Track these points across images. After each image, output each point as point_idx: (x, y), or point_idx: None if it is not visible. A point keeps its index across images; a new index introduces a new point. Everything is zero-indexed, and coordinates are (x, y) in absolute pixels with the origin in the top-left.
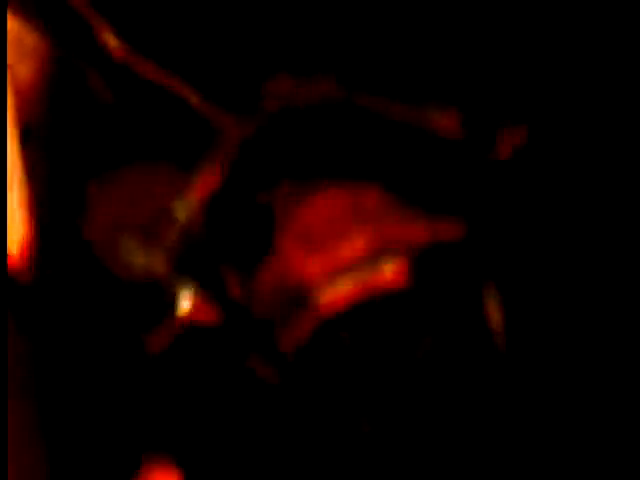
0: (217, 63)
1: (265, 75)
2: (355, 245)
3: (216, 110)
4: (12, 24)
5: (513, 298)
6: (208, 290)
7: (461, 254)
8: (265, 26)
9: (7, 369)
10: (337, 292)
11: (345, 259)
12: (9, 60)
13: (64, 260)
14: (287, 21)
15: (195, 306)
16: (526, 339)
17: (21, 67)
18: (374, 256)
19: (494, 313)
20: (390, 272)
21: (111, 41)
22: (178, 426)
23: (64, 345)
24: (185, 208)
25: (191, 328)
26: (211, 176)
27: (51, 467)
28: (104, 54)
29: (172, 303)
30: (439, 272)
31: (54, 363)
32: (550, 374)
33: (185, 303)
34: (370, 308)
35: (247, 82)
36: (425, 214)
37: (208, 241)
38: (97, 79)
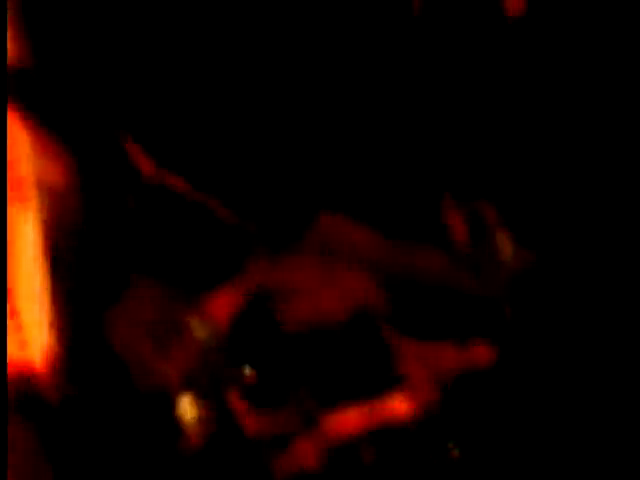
0: (245, 181)
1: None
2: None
3: (245, 223)
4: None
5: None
6: (212, 409)
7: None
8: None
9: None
10: (345, 419)
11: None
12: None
13: (89, 377)
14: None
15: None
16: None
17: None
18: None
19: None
20: (400, 403)
21: (144, 163)
22: None
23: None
24: (204, 328)
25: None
26: (234, 298)
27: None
28: (138, 176)
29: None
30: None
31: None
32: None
33: (188, 417)
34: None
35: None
36: (455, 338)
37: (222, 361)
38: (131, 198)
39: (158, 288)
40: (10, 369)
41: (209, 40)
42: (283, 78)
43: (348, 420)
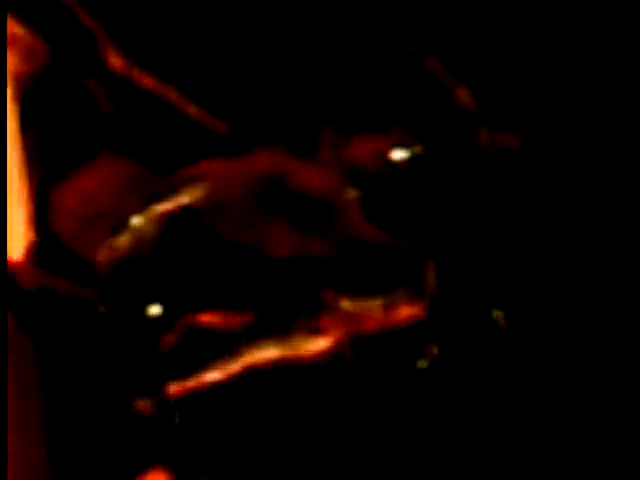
0: (213, 75)
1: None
2: None
3: (213, 119)
4: (17, 29)
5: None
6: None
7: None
8: (259, 35)
9: (8, 370)
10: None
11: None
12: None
13: (59, 258)
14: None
15: None
16: (530, 346)
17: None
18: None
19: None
20: (315, 348)
21: (113, 54)
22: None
23: (67, 346)
24: (145, 220)
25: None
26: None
27: (52, 468)
28: (105, 66)
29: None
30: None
31: (57, 364)
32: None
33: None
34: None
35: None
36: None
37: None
38: (98, 88)
39: (120, 166)
40: None
41: None
42: None
43: (263, 355)
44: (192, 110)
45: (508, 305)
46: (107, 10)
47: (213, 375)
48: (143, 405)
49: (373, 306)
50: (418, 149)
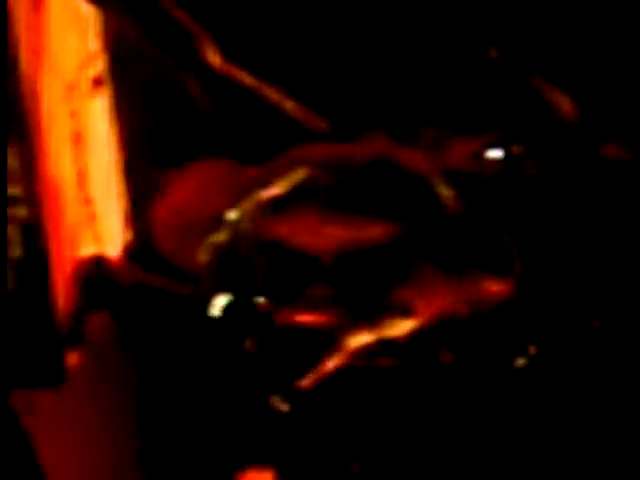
0: (312, 73)
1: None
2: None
3: (310, 114)
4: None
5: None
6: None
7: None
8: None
9: (104, 367)
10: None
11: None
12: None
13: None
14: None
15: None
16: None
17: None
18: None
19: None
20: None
21: (211, 52)
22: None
23: (163, 343)
24: (240, 212)
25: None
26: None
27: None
28: (204, 64)
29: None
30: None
31: (153, 361)
32: None
33: (216, 310)
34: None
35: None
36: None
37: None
38: (196, 86)
39: (212, 169)
40: (87, 262)
41: None
42: None
43: (361, 340)
44: (291, 107)
45: (603, 308)
46: (205, 9)
47: (328, 367)
48: (278, 401)
49: (461, 283)
50: (515, 149)
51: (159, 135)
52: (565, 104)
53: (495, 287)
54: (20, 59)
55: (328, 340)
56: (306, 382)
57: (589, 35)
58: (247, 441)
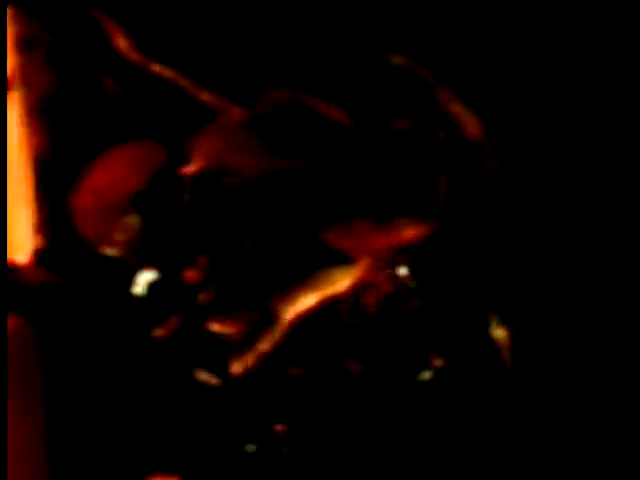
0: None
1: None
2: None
3: (224, 101)
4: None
5: (519, 317)
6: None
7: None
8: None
9: (9, 372)
10: (299, 307)
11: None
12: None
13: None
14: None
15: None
16: (532, 357)
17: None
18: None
19: (500, 333)
20: (343, 284)
21: (123, 43)
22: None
23: (71, 344)
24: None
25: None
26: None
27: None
28: (117, 55)
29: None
30: (446, 292)
31: (62, 360)
32: (555, 390)
33: (139, 288)
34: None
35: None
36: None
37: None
38: (109, 78)
39: (130, 153)
40: None
41: None
42: None
43: (303, 305)
44: (206, 97)
45: (510, 317)
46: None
47: (263, 345)
48: (207, 377)
49: (390, 227)
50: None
51: (72, 131)
52: (470, 122)
53: (418, 230)
54: None
55: (262, 314)
56: (239, 366)
57: (498, 50)
58: (157, 445)
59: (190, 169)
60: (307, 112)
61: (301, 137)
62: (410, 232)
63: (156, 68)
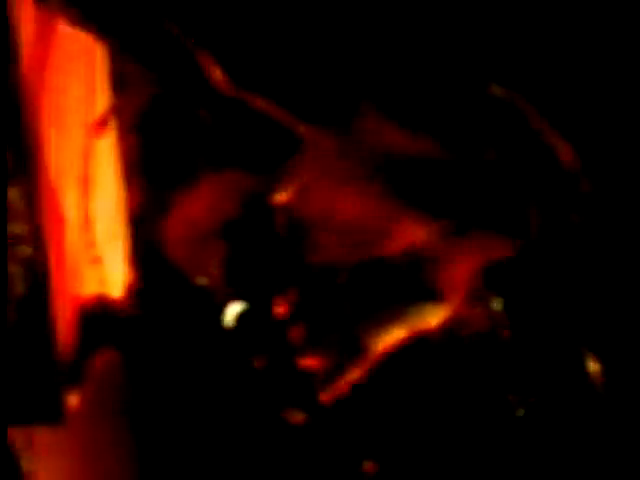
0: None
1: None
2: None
3: (319, 132)
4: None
5: (612, 351)
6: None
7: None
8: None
9: (101, 401)
10: (389, 339)
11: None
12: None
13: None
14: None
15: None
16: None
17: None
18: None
19: (594, 367)
20: (435, 319)
21: (217, 74)
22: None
23: (161, 375)
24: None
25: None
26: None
27: None
28: (210, 87)
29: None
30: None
31: (150, 393)
32: None
33: (230, 319)
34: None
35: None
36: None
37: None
38: (202, 108)
39: (220, 183)
40: (89, 302)
41: None
42: None
43: (393, 338)
44: (302, 129)
45: (603, 350)
46: (209, 32)
47: (352, 375)
48: (296, 415)
49: (476, 249)
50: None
51: (164, 166)
52: (565, 151)
53: (506, 248)
54: (26, 96)
55: (351, 345)
56: (328, 395)
57: (594, 82)
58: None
59: (281, 198)
60: (397, 142)
61: (392, 167)
62: (498, 250)
63: (252, 99)
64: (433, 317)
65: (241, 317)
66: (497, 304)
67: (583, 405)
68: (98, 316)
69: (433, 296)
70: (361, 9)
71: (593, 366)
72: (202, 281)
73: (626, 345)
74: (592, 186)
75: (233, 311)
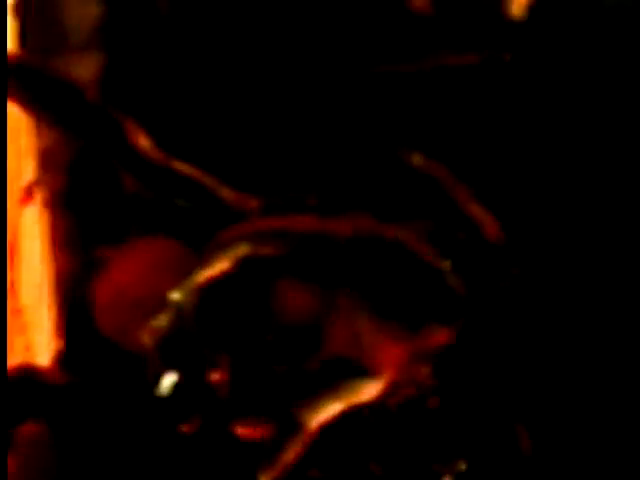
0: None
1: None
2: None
3: (245, 198)
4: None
5: (543, 425)
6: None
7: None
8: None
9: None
10: (326, 414)
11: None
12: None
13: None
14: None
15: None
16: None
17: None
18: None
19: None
20: (374, 390)
21: (142, 141)
22: None
23: (90, 446)
24: (183, 293)
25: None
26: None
27: None
28: (135, 153)
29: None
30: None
31: (78, 465)
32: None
33: (165, 389)
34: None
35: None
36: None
37: (199, 329)
38: (127, 174)
39: (151, 250)
40: (15, 370)
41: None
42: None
43: (327, 413)
44: (227, 194)
45: (534, 425)
46: (133, 97)
47: (288, 456)
48: None
49: (413, 333)
50: None
51: (90, 233)
52: (489, 223)
53: (444, 336)
54: None
55: (286, 422)
56: (266, 477)
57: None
58: None
59: (212, 273)
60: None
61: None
62: (436, 338)
63: (178, 166)
64: (367, 391)
65: (176, 386)
66: (425, 369)
67: (511, 476)
68: (24, 385)
69: (367, 372)
70: (284, 79)
71: (523, 438)
72: (133, 350)
73: (557, 419)
74: (518, 258)
75: (167, 381)
